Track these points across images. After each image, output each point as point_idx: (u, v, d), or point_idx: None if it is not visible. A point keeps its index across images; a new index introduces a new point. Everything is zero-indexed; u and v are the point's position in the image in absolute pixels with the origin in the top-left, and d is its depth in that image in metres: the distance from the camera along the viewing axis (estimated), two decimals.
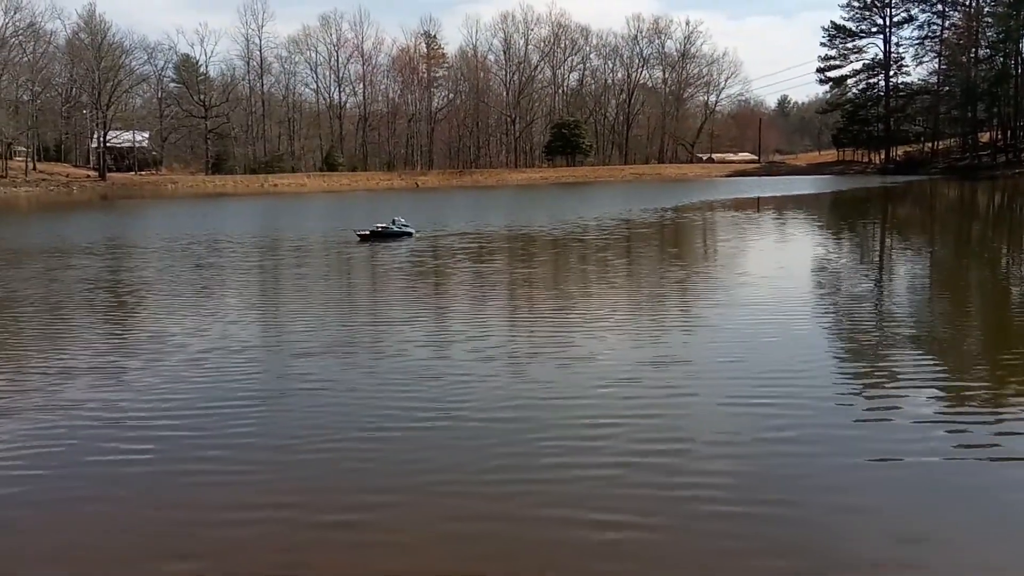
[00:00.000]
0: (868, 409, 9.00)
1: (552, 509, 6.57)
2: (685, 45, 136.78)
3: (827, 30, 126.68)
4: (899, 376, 10.27)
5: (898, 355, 11.46)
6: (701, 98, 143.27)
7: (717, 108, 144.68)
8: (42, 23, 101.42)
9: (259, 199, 72.22)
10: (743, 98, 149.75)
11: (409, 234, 29.69)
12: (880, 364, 10.97)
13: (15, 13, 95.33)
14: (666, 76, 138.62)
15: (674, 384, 9.87)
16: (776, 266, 21.48)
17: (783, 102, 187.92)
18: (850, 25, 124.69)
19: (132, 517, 6.66)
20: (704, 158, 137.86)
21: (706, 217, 42.36)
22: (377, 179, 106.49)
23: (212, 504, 6.86)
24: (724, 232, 34.01)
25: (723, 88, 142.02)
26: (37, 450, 8.19)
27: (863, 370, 10.80)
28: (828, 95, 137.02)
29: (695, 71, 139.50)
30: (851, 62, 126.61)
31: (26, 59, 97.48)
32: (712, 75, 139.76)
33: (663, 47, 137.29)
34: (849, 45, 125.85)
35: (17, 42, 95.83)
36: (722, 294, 16.69)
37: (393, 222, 29.89)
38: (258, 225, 39.75)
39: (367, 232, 29.08)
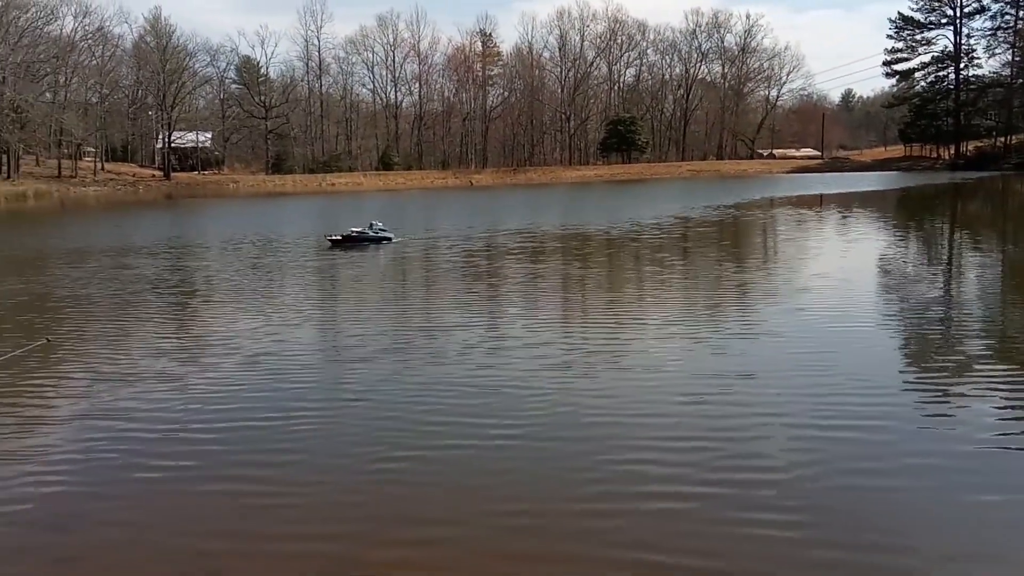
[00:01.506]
0: (958, 434, 8.19)
1: (621, 551, 5.96)
2: (745, 39, 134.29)
3: (894, 22, 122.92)
4: (986, 394, 9.44)
5: (983, 370, 10.58)
6: (762, 93, 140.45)
7: (778, 103, 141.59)
8: (110, 27, 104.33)
9: (317, 198, 72.91)
10: (805, 93, 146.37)
11: (388, 239, 27.90)
12: (962, 379, 10.16)
13: (84, 17, 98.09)
14: (725, 71, 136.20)
15: (744, 402, 9.23)
16: (842, 267, 20.57)
17: (847, 96, 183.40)
18: (918, 16, 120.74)
19: (163, 543, 6.26)
20: (765, 154, 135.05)
21: (767, 215, 41.23)
22: (432, 178, 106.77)
23: (251, 531, 6.43)
24: (787, 231, 32.93)
25: (785, 82, 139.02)
26: (76, 461, 7.99)
27: (941, 385, 10.00)
28: (895, 89, 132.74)
29: (756, 65, 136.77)
30: (919, 54, 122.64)
31: (95, 62, 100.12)
32: (773, 69, 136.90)
33: (723, 41, 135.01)
34: (917, 37, 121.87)
35: (86, 46, 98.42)
36: (787, 298, 15.96)
37: (370, 226, 28.17)
38: (315, 226, 39.89)
39: (338, 237, 27.41)
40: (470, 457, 7.77)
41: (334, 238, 27.36)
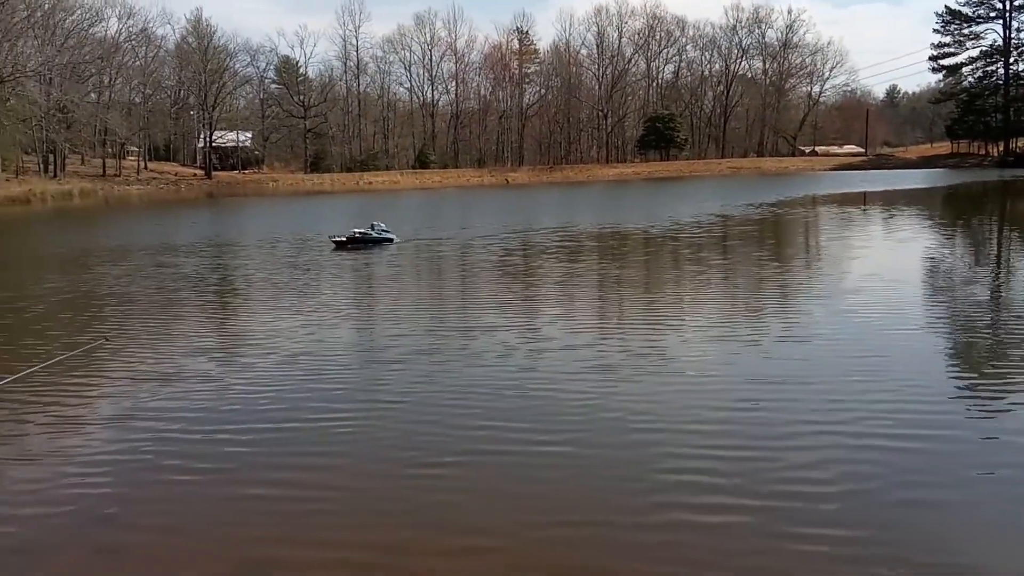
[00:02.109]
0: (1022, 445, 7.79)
1: (670, 567, 5.71)
2: (787, 34, 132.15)
3: (941, 15, 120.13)
4: None
5: None
6: (804, 89, 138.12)
7: (821, 99, 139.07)
8: (153, 28, 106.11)
9: (354, 197, 73.29)
10: (849, 88, 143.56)
11: (390, 240, 27.42)
12: (1021, 386, 9.72)
13: (128, 19, 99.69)
14: (767, 67, 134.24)
15: (794, 408, 8.86)
16: (889, 268, 19.98)
17: (892, 92, 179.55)
18: (966, 10, 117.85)
19: (198, 543, 6.20)
20: (807, 151, 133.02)
21: (810, 213, 40.49)
22: (468, 176, 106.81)
23: (285, 537, 6.24)
24: (831, 230, 32.22)
25: (827, 78, 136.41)
26: (116, 461, 7.96)
27: (999, 393, 9.51)
28: (941, 84, 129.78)
29: (798, 61, 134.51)
30: (967, 49, 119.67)
31: (138, 63, 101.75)
32: (816, 65, 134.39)
33: (764, 37, 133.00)
34: (965, 31, 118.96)
35: (130, 47, 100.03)
36: (834, 299, 15.50)
37: (372, 227, 27.71)
38: (351, 224, 39.94)
39: (343, 238, 26.80)
40: (511, 464, 7.52)
41: (339, 239, 26.84)
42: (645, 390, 9.74)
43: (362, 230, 27.50)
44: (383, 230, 27.76)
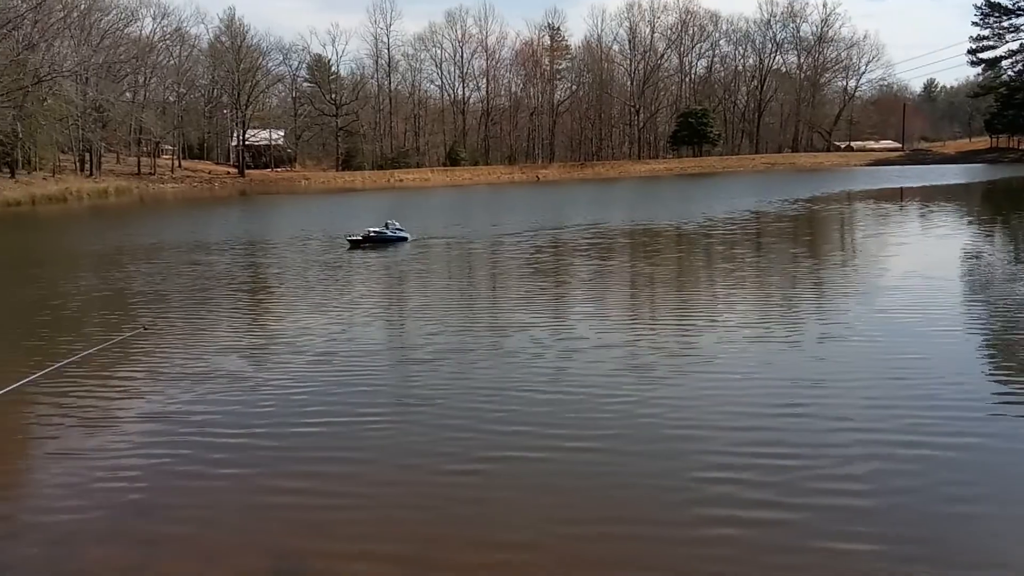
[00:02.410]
0: None
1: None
2: (822, 28, 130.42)
3: (979, 8, 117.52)
4: None
5: None
6: (839, 83, 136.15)
7: (856, 94, 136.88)
8: (187, 28, 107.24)
9: (385, 194, 73.51)
10: (885, 83, 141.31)
11: (404, 239, 27.09)
12: None
13: (163, 19, 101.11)
14: (801, 61, 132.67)
15: (833, 413, 8.58)
16: (928, 265, 19.48)
17: (929, 86, 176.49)
18: (1005, 2, 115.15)
19: (227, 543, 6.19)
20: (842, 146, 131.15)
21: (847, 209, 39.82)
22: (498, 173, 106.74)
23: (314, 533, 6.19)
24: (868, 226, 31.61)
25: (863, 72, 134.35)
26: (144, 455, 8.03)
27: None
28: (980, 78, 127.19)
29: (833, 55, 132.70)
30: (1007, 42, 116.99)
31: (172, 62, 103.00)
32: (851, 59, 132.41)
33: (798, 31, 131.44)
34: (1005, 23, 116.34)
35: (165, 46, 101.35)
36: (873, 298, 15.13)
37: (386, 226, 27.46)
38: (382, 222, 39.97)
39: (359, 237, 26.46)
40: (543, 471, 7.35)
41: (354, 238, 26.57)
42: (681, 392, 9.54)
43: (376, 229, 27.28)
44: (397, 229, 27.58)
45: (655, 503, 6.63)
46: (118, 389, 10.39)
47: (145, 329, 12.45)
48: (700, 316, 14.16)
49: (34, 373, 6.78)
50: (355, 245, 26.16)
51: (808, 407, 8.78)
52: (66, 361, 8.76)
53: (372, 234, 26.77)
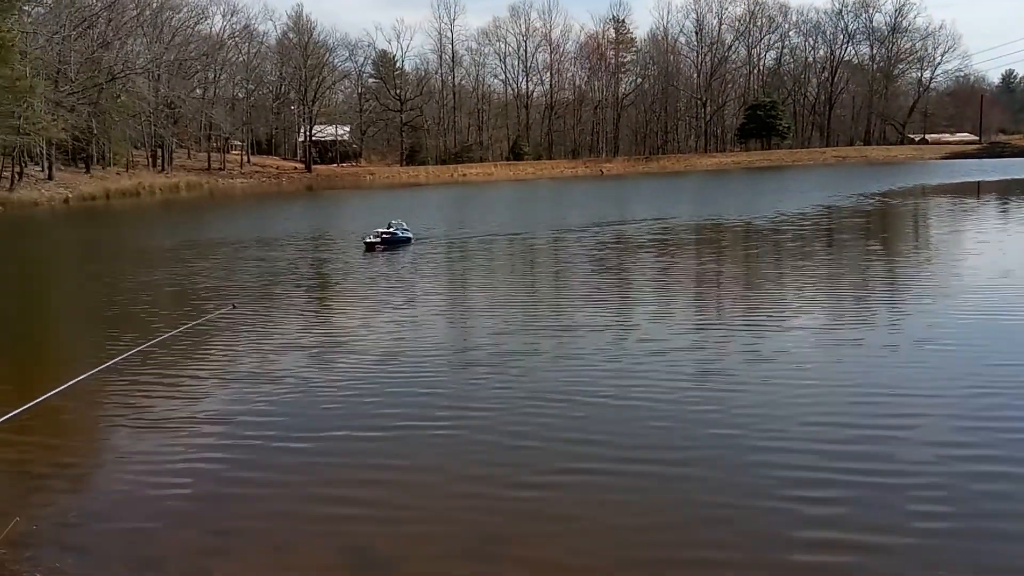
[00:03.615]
0: None
1: None
2: (896, 18, 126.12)
3: None
4: None
5: None
6: (913, 75, 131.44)
7: (932, 85, 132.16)
8: (256, 25, 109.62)
9: (449, 189, 73.64)
10: (962, 74, 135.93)
11: (408, 240, 26.01)
12: None
13: (232, 16, 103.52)
14: (874, 52, 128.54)
15: (916, 426, 7.97)
16: (1015, 265, 18.39)
17: (1008, 77, 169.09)
18: None
19: (297, 536, 6.14)
20: (916, 139, 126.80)
21: (923, 205, 38.22)
22: (562, 167, 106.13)
23: (380, 532, 6.11)
24: (947, 222, 30.13)
25: (939, 63, 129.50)
26: (218, 447, 8.09)
27: None
28: None
29: (907, 46, 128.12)
30: None
31: (241, 59, 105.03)
32: (926, 50, 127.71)
33: (871, 21, 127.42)
34: None
35: (234, 43, 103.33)
36: (955, 300, 14.26)
37: (389, 225, 26.15)
38: (445, 217, 39.90)
39: (376, 240, 24.86)
40: (613, 489, 6.85)
41: (370, 240, 25.00)
42: (757, 400, 8.95)
43: (387, 231, 25.87)
44: (403, 229, 26.55)
45: (745, 525, 6.10)
46: (169, 388, 10.30)
47: (234, 307, 13.88)
48: (775, 318, 13.44)
49: (118, 356, 7.19)
50: (370, 248, 24.78)
51: (909, 419, 8.16)
52: (153, 340, 8.66)
53: (385, 235, 25.48)
